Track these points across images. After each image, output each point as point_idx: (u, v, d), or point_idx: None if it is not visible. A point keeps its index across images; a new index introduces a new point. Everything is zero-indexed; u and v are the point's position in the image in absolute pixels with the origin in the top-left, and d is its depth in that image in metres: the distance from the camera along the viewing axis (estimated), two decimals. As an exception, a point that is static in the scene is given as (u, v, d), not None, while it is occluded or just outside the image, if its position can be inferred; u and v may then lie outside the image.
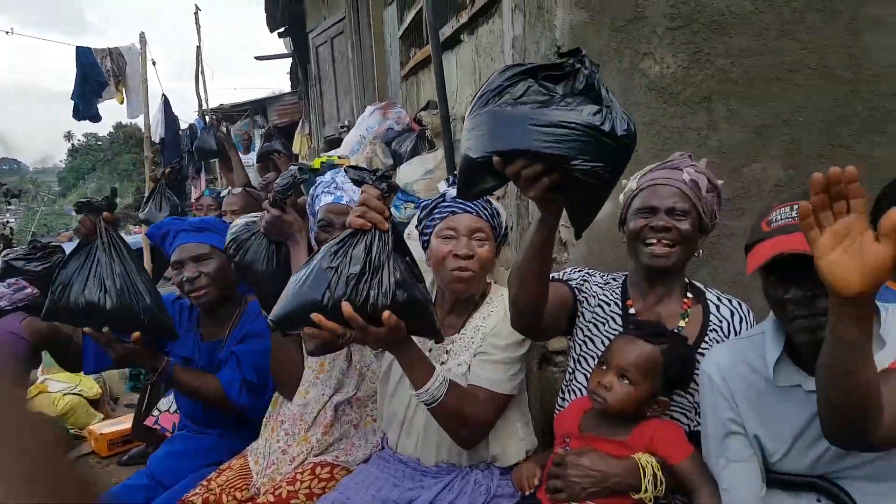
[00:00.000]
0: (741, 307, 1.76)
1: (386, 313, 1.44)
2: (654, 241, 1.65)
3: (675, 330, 1.73)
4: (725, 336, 1.71)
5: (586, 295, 1.83)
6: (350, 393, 2.17)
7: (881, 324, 1.37)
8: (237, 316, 2.52)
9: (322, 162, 4.97)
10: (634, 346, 1.58)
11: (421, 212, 1.97)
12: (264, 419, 2.27)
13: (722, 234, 2.50)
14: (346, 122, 6.81)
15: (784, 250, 1.27)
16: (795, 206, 1.34)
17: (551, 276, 1.85)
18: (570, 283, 1.83)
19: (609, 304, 1.82)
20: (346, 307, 1.43)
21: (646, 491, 1.48)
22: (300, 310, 1.47)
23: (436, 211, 1.90)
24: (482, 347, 1.85)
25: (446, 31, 3.68)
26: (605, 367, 1.61)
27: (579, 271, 1.91)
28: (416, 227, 1.97)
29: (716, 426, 1.49)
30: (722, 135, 2.49)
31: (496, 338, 1.85)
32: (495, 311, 1.90)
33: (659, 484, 1.49)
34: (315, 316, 1.44)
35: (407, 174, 3.47)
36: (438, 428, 1.78)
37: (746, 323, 1.72)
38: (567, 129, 1.20)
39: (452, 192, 1.88)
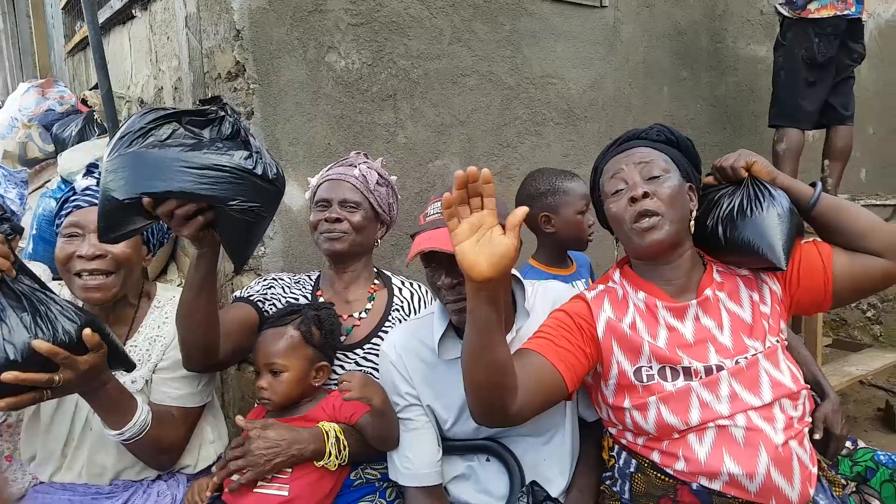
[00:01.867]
0: (420, 289, 1.92)
1: (86, 331, 1.34)
2: (328, 230, 1.76)
3: (362, 311, 1.82)
4: (407, 315, 1.84)
5: (274, 301, 1.80)
6: None
7: (526, 298, 1.57)
8: None
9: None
10: (267, 338, 1.62)
11: (55, 207, 1.67)
12: None
13: (412, 226, 2.58)
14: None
15: (427, 248, 1.38)
16: None
17: (235, 294, 1.85)
18: (251, 298, 1.80)
19: (299, 300, 1.83)
20: (40, 343, 1.28)
21: (329, 455, 1.52)
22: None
23: (66, 205, 1.63)
24: (164, 362, 1.66)
25: (116, 5, 3.24)
26: (257, 372, 1.62)
27: (263, 281, 1.86)
28: (52, 226, 1.67)
29: (395, 398, 1.59)
30: (408, 132, 2.60)
31: (178, 349, 1.66)
32: (170, 316, 1.70)
33: (343, 449, 1.54)
34: (7, 375, 1.25)
35: (72, 161, 2.97)
36: (110, 451, 1.60)
37: (424, 302, 1.88)
38: (222, 172, 1.29)
39: (85, 182, 1.63)
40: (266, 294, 1.80)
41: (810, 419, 1.40)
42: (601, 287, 1.52)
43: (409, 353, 1.58)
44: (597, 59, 3.13)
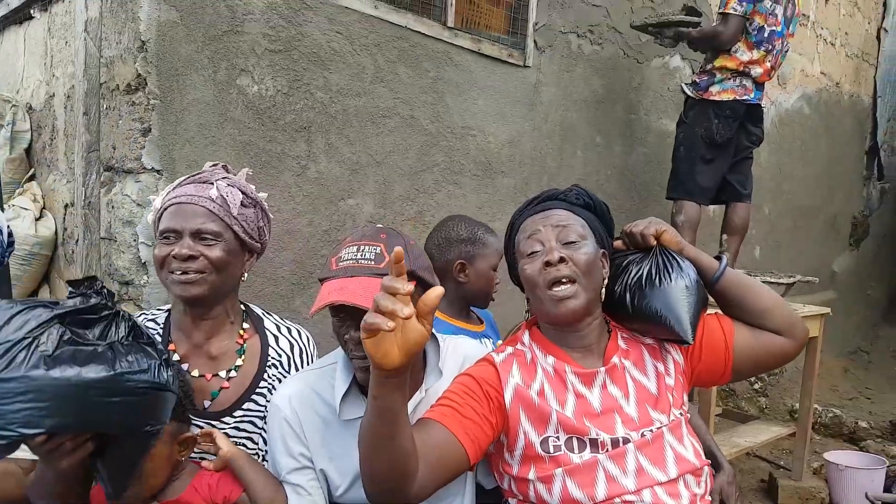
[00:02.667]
0: (300, 337, 1.66)
1: None
2: (179, 270, 1.43)
3: (230, 369, 1.54)
4: (286, 371, 1.59)
5: None
6: None
7: (440, 356, 1.46)
8: None
9: None
10: None
11: None
12: None
13: (317, 265, 2.48)
14: None
15: (336, 301, 1.26)
16: (363, 246, 1.35)
17: None
18: None
19: None
20: None
21: None
22: None
23: None
24: None
25: (13, 3, 2.99)
26: None
27: None
28: None
29: (285, 460, 1.42)
30: (321, 166, 2.49)
31: None
32: None
33: None
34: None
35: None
36: None
37: (307, 354, 1.64)
38: (136, 396, 1.11)
39: None
40: None
41: (709, 498, 1.36)
42: (510, 350, 1.44)
43: (306, 407, 1.42)
44: (517, 117, 3.16)
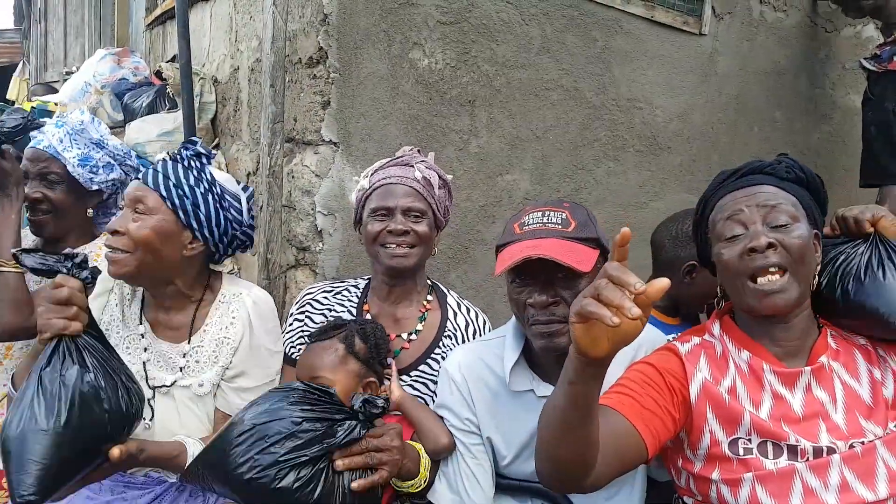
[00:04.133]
0: (477, 318, 1.73)
1: (114, 452, 1.28)
2: (394, 244, 1.59)
3: (412, 333, 1.65)
4: (458, 344, 1.67)
5: (310, 330, 1.68)
6: None
7: None
8: None
9: (32, 107, 4.08)
10: (310, 352, 1.52)
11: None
12: None
13: (473, 241, 2.48)
14: (74, 68, 5.76)
15: (532, 255, 1.24)
16: (548, 212, 1.34)
17: (290, 355, 1.69)
18: (295, 356, 1.67)
19: (342, 315, 1.70)
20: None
21: (418, 478, 1.42)
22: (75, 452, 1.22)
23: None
24: (232, 370, 1.56)
25: (202, -20, 3.22)
26: None
27: (295, 326, 1.71)
28: None
29: (453, 420, 1.46)
30: (482, 141, 2.47)
31: (251, 354, 1.57)
32: (238, 316, 1.59)
33: (427, 473, 1.44)
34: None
35: (140, 132, 2.95)
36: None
37: (479, 335, 1.70)
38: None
39: (159, 156, 1.56)
40: (304, 344, 1.66)
41: None
42: (696, 340, 1.34)
43: (475, 376, 1.44)
44: (688, 89, 2.96)
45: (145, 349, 1.57)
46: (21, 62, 10.16)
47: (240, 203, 1.62)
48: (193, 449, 1.45)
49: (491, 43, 2.43)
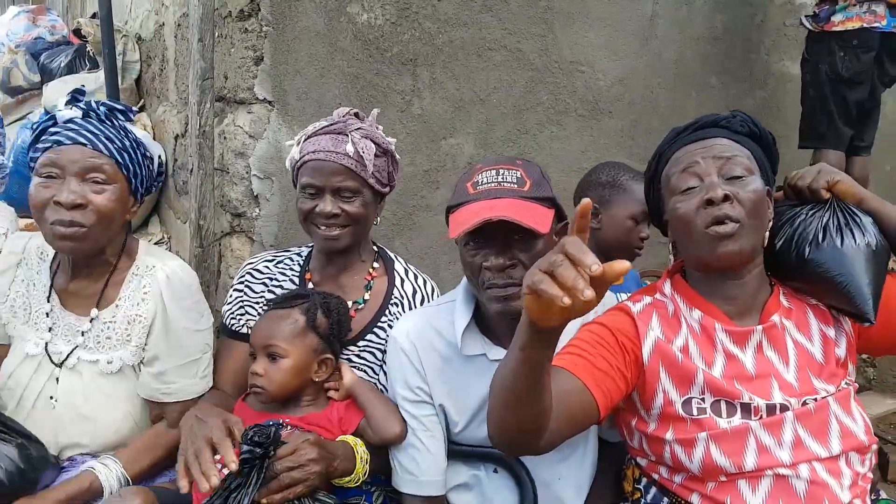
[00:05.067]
0: (425, 285, 1.69)
1: None
2: (324, 226, 1.52)
3: (358, 302, 1.60)
4: (405, 313, 1.62)
5: (249, 307, 1.64)
6: None
7: None
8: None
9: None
10: (268, 319, 1.46)
11: (29, 137, 1.46)
12: None
13: (417, 206, 2.43)
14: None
15: (491, 217, 1.20)
16: (502, 170, 1.30)
17: (229, 326, 1.64)
18: (237, 329, 1.64)
19: (282, 285, 1.64)
20: None
21: (355, 473, 1.37)
22: None
23: (42, 137, 1.42)
24: (150, 352, 1.49)
25: (123, -71, 3.01)
26: (254, 356, 1.45)
27: (235, 297, 1.65)
28: (28, 156, 1.45)
29: (403, 391, 1.42)
30: (425, 103, 2.41)
31: (167, 337, 1.49)
32: (150, 292, 1.50)
33: (366, 465, 1.38)
34: None
35: (58, 93, 2.76)
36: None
37: (427, 302, 1.65)
38: None
39: (68, 113, 1.41)
40: (243, 315, 1.62)
41: (871, 475, 1.24)
42: (647, 299, 1.33)
43: (424, 343, 1.40)
44: (630, 52, 2.95)
45: (49, 329, 1.49)
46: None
47: (153, 157, 1.53)
48: (106, 473, 1.39)
49: (432, -1, 2.36)
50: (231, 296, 1.65)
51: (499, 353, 1.35)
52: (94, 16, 3.34)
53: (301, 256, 1.69)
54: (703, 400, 1.21)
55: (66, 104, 1.46)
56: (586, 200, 0.87)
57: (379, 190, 1.58)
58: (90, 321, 1.48)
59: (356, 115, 1.61)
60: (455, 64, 2.45)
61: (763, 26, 3.52)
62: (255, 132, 2.10)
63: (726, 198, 1.18)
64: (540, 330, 0.92)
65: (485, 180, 1.29)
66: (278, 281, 1.63)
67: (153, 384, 1.48)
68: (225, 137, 2.15)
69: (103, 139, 1.39)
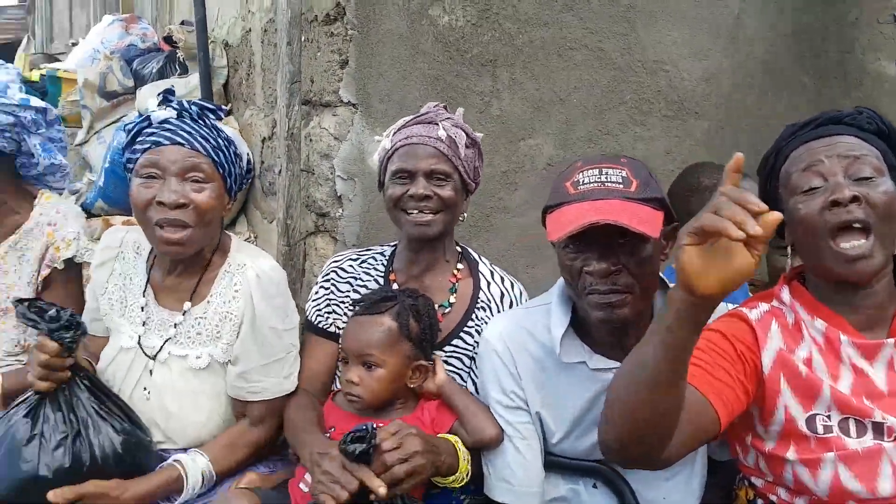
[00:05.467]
0: (513, 288, 1.64)
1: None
2: (416, 209, 1.50)
3: (443, 305, 1.57)
4: (491, 316, 1.58)
5: (335, 305, 1.64)
6: None
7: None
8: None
9: (42, 75, 4.00)
10: (360, 325, 1.44)
11: (124, 139, 1.51)
12: None
13: (494, 208, 2.41)
14: (80, 39, 5.67)
15: (598, 220, 1.14)
16: (605, 169, 1.24)
17: (315, 324, 1.64)
18: (323, 326, 1.63)
19: (366, 285, 1.62)
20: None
21: (460, 472, 1.36)
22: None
23: (138, 139, 1.46)
24: (238, 350, 1.51)
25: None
26: (346, 362, 1.44)
27: (321, 294, 1.66)
28: (122, 160, 1.51)
29: (498, 395, 1.38)
30: (504, 103, 2.39)
31: (255, 337, 1.51)
32: (241, 290, 1.52)
33: (468, 464, 1.37)
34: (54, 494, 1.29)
35: (151, 98, 2.85)
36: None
37: (516, 306, 1.60)
38: None
39: (163, 113, 1.45)
40: (330, 313, 1.62)
41: None
42: (765, 306, 1.24)
43: (518, 346, 1.36)
44: (716, 51, 2.85)
45: (143, 322, 1.53)
46: (26, 37, 10.04)
47: (242, 155, 1.57)
48: (192, 468, 1.42)
49: None
50: (317, 293, 1.66)
51: (600, 361, 1.30)
52: (182, 23, 3.48)
53: (384, 256, 1.67)
54: (828, 417, 1.12)
55: (157, 104, 1.50)
56: (740, 155, 0.86)
57: (466, 181, 1.56)
58: (182, 314, 1.51)
59: (444, 107, 1.62)
60: (535, 64, 2.43)
61: (857, 23, 3.33)
62: (340, 134, 2.13)
63: (854, 199, 1.09)
64: (694, 300, 0.87)
65: (586, 180, 1.24)
66: (363, 281, 1.64)
67: (238, 383, 1.50)
68: (311, 139, 2.19)
69: (199, 138, 1.43)
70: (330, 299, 1.64)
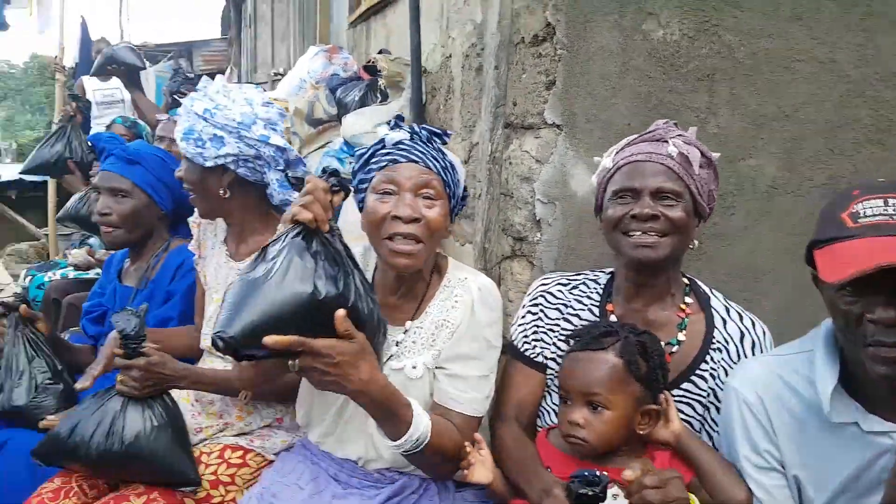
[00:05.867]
0: (754, 328, 1.46)
1: (339, 313, 1.18)
2: (639, 231, 1.36)
3: (671, 343, 1.42)
4: (733, 361, 1.41)
5: (543, 333, 1.56)
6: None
7: None
8: (153, 265, 2.26)
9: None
10: (583, 363, 1.32)
11: (356, 163, 1.54)
12: None
13: (708, 234, 2.20)
14: (282, 70, 6.22)
15: (893, 261, 0.97)
16: (891, 200, 1.08)
17: (522, 351, 1.57)
18: (530, 355, 1.56)
19: (579, 314, 1.52)
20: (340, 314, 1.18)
21: None
22: (281, 316, 1.16)
23: (373, 160, 1.48)
24: (450, 353, 1.48)
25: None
26: (568, 402, 1.33)
27: (529, 316, 1.58)
28: (352, 183, 1.54)
29: (747, 453, 1.23)
30: (721, 120, 2.19)
31: (469, 342, 1.48)
32: (461, 300, 1.51)
33: None
34: (267, 340, 1.13)
35: (355, 126, 3.03)
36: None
37: (759, 349, 1.43)
38: None
39: (397, 135, 1.47)
40: (538, 341, 1.53)
41: None
42: None
43: (774, 399, 1.21)
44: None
45: None
46: (228, 68, 11.18)
47: (461, 179, 1.56)
48: (422, 428, 1.35)
49: (734, 10, 2.15)
50: (524, 317, 1.59)
51: (875, 423, 1.12)
52: (380, 52, 3.65)
53: (598, 284, 1.56)
54: None
55: (390, 129, 1.54)
56: None
57: (699, 203, 1.41)
58: (404, 332, 1.52)
59: (675, 124, 1.50)
60: (757, 77, 2.20)
61: None
62: (542, 157, 2.07)
63: None
64: None
65: (870, 212, 1.08)
66: (574, 309, 1.54)
67: (446, 386, 1.46)
68: (511, 163, 2.15)
69: (431, 157, 1.45)
70: (538, 326, 1.57)
